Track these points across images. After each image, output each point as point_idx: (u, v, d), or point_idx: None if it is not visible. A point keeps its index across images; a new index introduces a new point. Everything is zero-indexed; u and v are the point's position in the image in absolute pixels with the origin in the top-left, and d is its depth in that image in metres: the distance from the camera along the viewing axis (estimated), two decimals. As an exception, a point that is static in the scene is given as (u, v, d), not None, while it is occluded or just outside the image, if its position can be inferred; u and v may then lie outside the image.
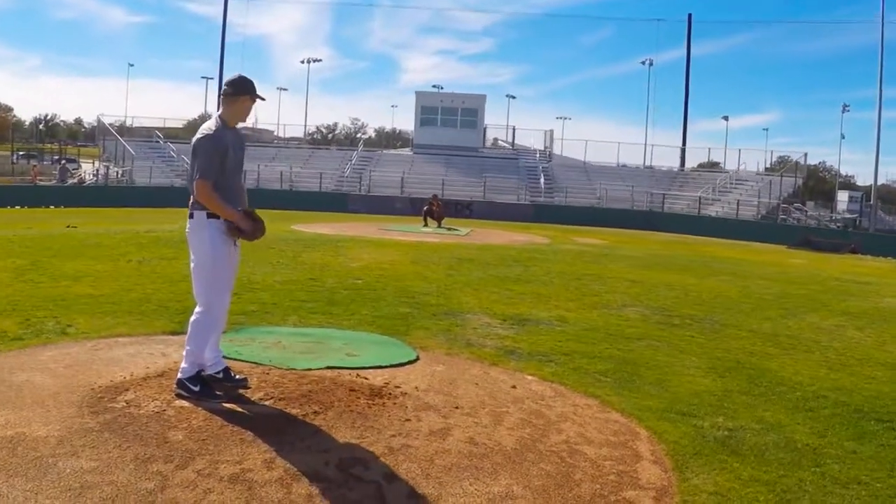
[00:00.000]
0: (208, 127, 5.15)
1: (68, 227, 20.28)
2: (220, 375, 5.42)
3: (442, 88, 60.37)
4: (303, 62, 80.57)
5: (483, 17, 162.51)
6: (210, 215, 5.06)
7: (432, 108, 54.35)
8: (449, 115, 53.90)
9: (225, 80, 5.44)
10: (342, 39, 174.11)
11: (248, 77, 5.29)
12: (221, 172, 5.04)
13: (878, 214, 47.40)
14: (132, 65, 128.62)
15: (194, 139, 5.10)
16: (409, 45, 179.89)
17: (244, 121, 5.39)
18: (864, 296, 13.72)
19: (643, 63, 73.33)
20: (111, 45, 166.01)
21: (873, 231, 42.71)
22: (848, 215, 49.06)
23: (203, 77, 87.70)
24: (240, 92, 5.21)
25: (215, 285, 5.19)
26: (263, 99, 5.35)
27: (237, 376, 5.52)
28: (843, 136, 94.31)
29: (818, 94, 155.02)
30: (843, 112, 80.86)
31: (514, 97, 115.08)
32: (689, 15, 59.33)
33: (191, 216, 5.13)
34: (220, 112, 5.27)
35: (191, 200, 5.14)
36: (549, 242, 23.99)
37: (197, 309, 5.25)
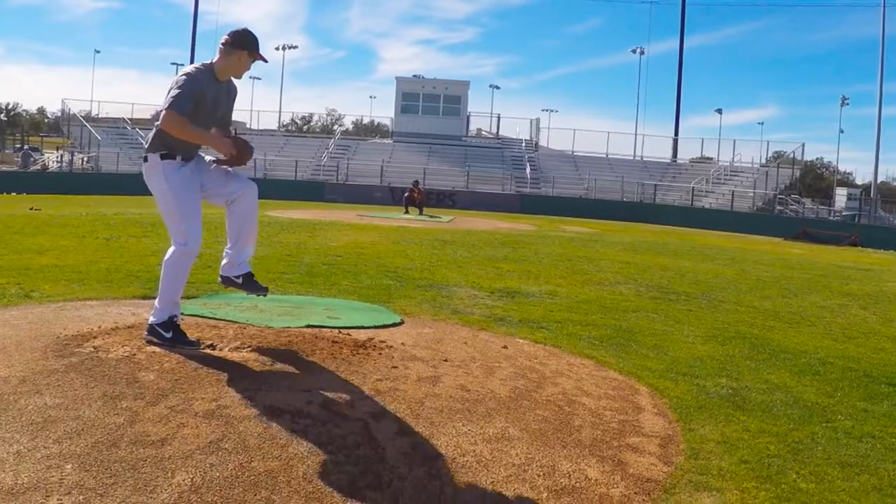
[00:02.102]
0: (192, 67, 4.80)
1: (31, 209, 19.54)
2: (240, 281, 5.14)
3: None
4: (278, 49, 78.71)
5: (466, 5, 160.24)
6: (164, 156, 4.72)
7: (413, 95, 52.41)
8: (431, 102, 52.10)
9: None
10: (318, 29, 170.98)
11: (253, 33, 4.91)
12: (194, 119, 4.64)
13: (878, 213, 46.70)
14: (98, 51, 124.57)
15: (174, 78, 4.77)
16: (388, 34, 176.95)
17: (239, 77, 4.99)
18: (867, 280, 13.48)
19: (634, 52, 71.93)
20: (75, 33, 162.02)
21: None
22: (846, 213, 48.32)
23: (173, 63, 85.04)
24: (237, 45, 4.81)
25: (187, 217, 4.78)
26: (265, 60, 5.03)
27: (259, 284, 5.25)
28: (841, 131, 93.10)
29: (816, 88, 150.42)
30: (841, 105, 78.26)
31: (498, 87, 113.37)
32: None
33: (145, 160, 4.82)
34: (213, 59, 4.89)
35: (146, 143, 4.83)
36: (536, 229, 23.65)
37: (172, 246, 4.85)
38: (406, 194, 29.07)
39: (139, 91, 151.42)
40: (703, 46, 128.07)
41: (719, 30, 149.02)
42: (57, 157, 50.69)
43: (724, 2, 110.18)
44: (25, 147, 57.60)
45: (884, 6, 45.97)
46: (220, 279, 5.22)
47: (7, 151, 66.04)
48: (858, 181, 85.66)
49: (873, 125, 45.90)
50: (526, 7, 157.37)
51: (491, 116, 58.06)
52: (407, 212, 27.71)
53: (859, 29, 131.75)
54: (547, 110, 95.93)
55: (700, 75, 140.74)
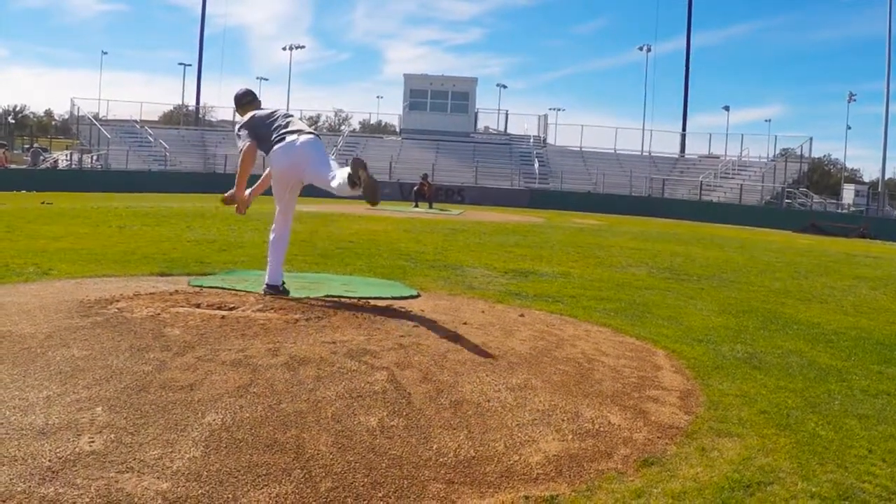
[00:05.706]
0: None
1: (43, 203, 19.62)
2: (282, 288, 5.84)
3: (430, 78, 58.47)
4: (285, 49, 78.20)
5: (471, 6, 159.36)
6: None
7: (421, 92, 52.00)
8: (439, 98, 51.78)
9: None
10: (324, 30, 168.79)
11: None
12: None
13: (886, 208, 46.34)
14: (106, 53, 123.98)
15: None
16: (394, 35, 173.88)
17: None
18: (876, 266, 13.52)
19: (641, 49, 70.96)
20: (82, 35, 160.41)
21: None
22: (854, 208, 47.90)
23: (180, 63, 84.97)
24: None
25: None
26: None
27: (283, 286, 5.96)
28: (849, 127, 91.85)
29: (823, 86, 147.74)
30: (848, 102, 76.85)
31: (505, 87, 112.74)
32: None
33: None
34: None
35: None
36: (545, 221, 23.62)
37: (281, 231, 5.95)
38: (416, 188, 29.07)
39: (145, 92, 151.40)
40: (709, 45, 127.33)
41: (726, 28, 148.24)
42: (66, 156, 50.67)
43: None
44: (35, 146, 57.58)
45: (890, 3, 45.65)
46: (264, 288, 5.79)
47: (16, 151, 66.12)
48: (866, 178, 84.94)
49: (880, 122, 45.63)
50: (531, 7, 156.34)
51: (498, 113, 57.63)
52: (416, 205, 27.72)
53: (866, 26, 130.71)
54: (554, 109, 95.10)
55: (707, 73, 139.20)
